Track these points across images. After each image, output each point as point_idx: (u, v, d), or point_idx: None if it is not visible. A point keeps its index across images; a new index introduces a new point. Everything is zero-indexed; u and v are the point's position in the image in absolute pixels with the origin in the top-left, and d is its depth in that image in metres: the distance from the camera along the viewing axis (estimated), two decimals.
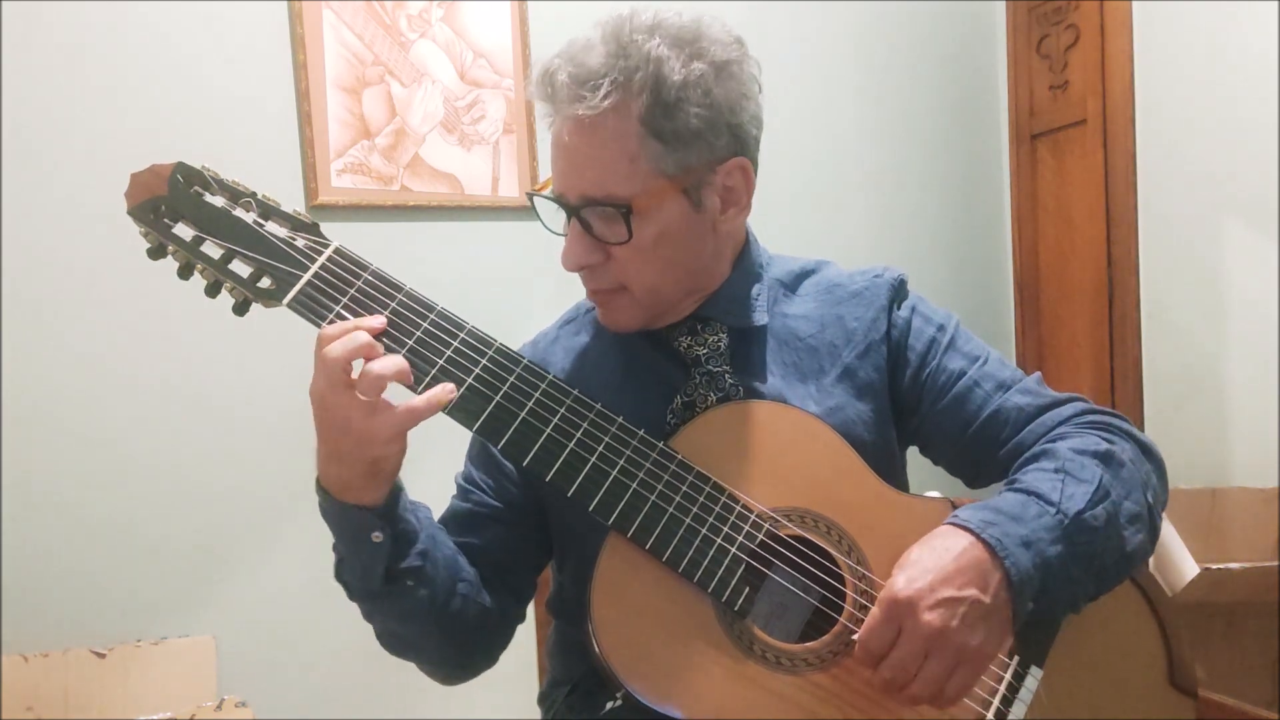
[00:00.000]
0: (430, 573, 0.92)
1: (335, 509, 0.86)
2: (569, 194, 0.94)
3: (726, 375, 0.99)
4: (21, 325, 1.68)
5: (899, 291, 1.06)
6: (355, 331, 0.82)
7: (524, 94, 2.09)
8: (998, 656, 0.86)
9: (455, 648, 0.99)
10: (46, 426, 1.70)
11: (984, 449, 1.01)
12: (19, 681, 1.63)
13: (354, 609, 0.94)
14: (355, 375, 0.81)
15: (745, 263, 1.05)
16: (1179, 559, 1.77)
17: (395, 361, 0.82)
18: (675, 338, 1.01)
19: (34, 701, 1.64)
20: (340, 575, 0.93)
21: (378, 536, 0.86)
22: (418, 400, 0.82)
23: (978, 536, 0.85)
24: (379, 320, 0.86)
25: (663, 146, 0.91)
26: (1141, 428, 2.29)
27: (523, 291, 2.08)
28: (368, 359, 0.81)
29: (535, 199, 1.00)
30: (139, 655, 1.72)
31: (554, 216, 0.99)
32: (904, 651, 0.82)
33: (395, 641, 0.98)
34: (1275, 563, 1.80)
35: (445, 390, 0.84)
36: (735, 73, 0.94)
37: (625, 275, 0.96)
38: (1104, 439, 0.94)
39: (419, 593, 0.91)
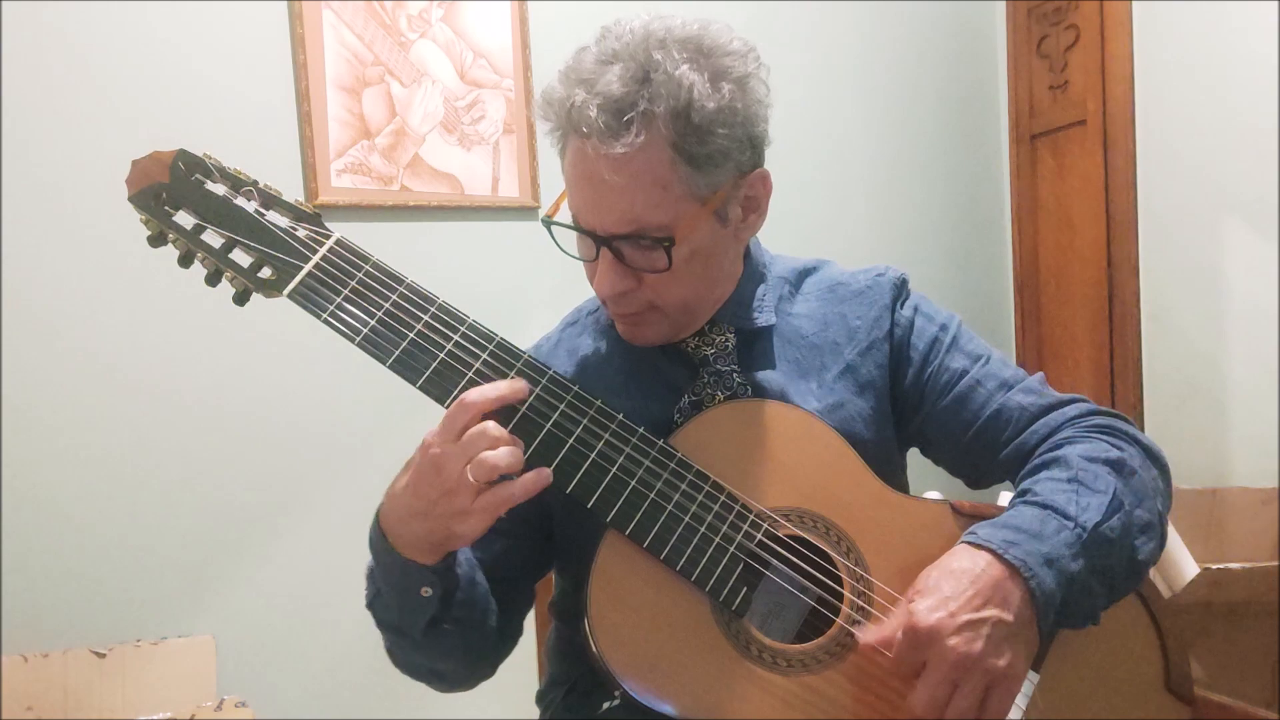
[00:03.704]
0: (469, 618, 0.92)
1: (391, 559, 0.86)
2: (599, 228, 0.91)
3: (735, 375, 0.99)
4: (21, 326, 1.68)
5: (901, 290, 1.06)
6: (488, 396, 0.82)
7: (524, 94, 2.09)
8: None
9: (472, 672, 1.00)
10: (46, 427, 1.70)
11: (986, 449, 1.00)
12: (19, 681, 1.63)
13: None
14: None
15: (750, 264, 1.05)
16: (1179, 559, 1.77)
17: (511, 454, 0.82)
18: (683, 339, 1.01)
19: (34, 701, 1.63)
20: (374, 609, 0.92)
21: (427, 591, 0.86)
22: (515, 486, 0.82)
23: (999, 557, 0.83)
24: (521, 385, 0.86)
25: (695, 171, 0.89)
26: (1141, 428, 2.29)
27: (523, 291, 2.08)
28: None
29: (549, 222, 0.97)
30: (139, 655, 1.72)
31: (569, 240, 0.96)
32: (932, 682, 0.80)
33: (418, 671, 0.98)
34: (1275, 563, 1.79)
35: (542, 475, 0.84)
36: (754, 86, 0.92)
37: (657, 296, 0.95)
38: (1113, 445, 0.93)
39: (456, 637, 0.91)
